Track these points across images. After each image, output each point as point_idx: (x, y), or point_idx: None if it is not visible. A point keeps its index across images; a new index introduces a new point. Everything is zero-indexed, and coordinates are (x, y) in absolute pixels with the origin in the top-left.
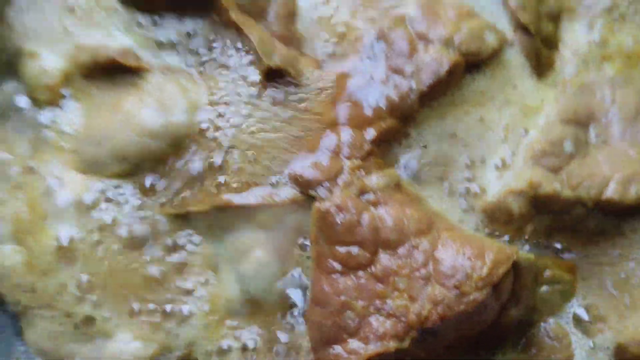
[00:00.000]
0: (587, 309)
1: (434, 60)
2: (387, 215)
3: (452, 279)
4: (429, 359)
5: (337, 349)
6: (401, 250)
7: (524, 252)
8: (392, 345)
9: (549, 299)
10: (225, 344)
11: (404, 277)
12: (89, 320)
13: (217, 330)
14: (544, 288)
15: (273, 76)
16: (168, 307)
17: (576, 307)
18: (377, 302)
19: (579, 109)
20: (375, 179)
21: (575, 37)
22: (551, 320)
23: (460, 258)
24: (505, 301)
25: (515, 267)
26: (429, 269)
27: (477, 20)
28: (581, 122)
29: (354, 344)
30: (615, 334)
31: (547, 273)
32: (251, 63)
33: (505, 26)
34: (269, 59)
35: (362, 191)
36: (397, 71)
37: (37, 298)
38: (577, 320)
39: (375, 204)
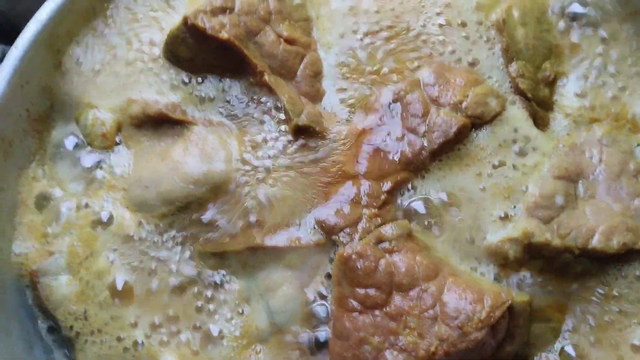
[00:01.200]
0: (574, 346)
1: (445, 122)
2: (400, 262)
3: (455, 320)
4: None
5: None
6: (412, 293)
7: (518, 294)
8: None
9: (541, 335)
10: None
11: (414, 317)
12: (137, 344)
13: (244, 352)
14: (537, 325)
15: (301, 132)
16: (210, 331)
17: (565, 344)
18: (391, 338)
19: (570, 167)
20: (390, 230)
21: (568, 100)
22: (543, 354)
23: (463, 302)
24: (501, 339)
25: (510, 309)
26: (436, 310)
27: (482, 87)
28: (571, 178)
29: None
30: None
31: (540, 312)
32: (282, 120)
33: (508, 89)
34: (297, 117)
35: (379, 240)
36: (412, 130)
37: (89, 325)
38: (565, 356)
39: (390, 251)
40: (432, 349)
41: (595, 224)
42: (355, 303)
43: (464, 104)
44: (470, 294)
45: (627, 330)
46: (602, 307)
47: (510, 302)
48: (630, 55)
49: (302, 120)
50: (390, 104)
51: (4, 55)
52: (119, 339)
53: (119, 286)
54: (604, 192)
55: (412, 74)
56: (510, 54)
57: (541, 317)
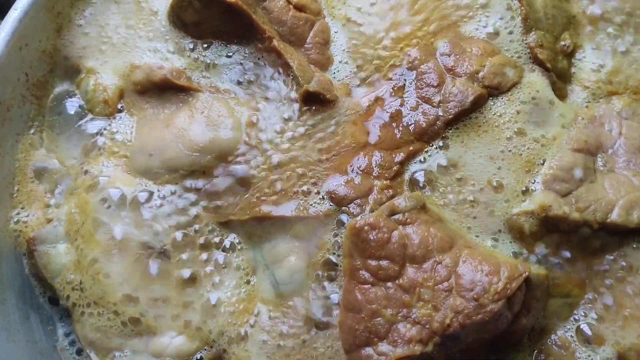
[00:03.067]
0: (592, 323)
1: (460, 92)
2: (414, 233)
3: (471, 292)
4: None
5: (369, 350)
6: (426, 265)
7: (536, 268)
8: (417, 349)
9: (558, 310)
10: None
11: (429, 289)
12: (136, 319)
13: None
14: (555, 300)
15: (310, 99)
16: (211, 300)
17: (582, 321)
18: (404, 310)
19: (589, 139)
20: (403, 202)
21: (586, 73)
22: (559, 331)
23: (479, 274)
24: (518, 311)
25: (527, 282)
26: (451, 282)
27: (499, 57)
28: (590, 151)
29: (383, 347)
30: (615, 345)
31: (558, 287)
32: (290, 87)
33: (527, 60)
34: (307, 84)
35: (393, 212)
36: (426, 100)
37: (85, 297)
38: (581, 333)
39: (403, 223)
40: (447, 321)
41: (615, 197)
42: (367, 275)
43: (480, 74)
44: (486, 266)
45: None
46: (622, 283)
47: (527, 274)
48: None
49: (313, 86)
50: (404, 73)
51: None
52: (116, 313)
53: (118, 237)
54: (624, 165)
55: (427, 43)
56: (529, 23)
57: (559, 292)
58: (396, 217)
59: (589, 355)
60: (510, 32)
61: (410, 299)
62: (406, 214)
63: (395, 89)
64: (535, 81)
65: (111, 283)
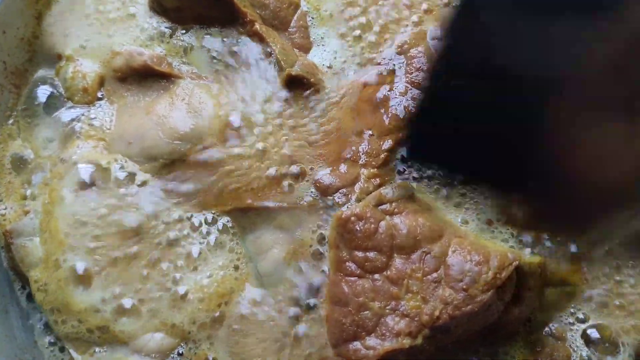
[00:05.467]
0: (591, 311)
1: None
2: (401, 223)
3: (460, 282)
4: (437, 352)
5: (356, 344)
6: (414, 256)
7: (529, 255)
8: (406, 342)
9: (555, 300)
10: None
11: (417, 280)
12: (104, 328)
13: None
14: (552, 290)
15: (294, 84)
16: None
17: (580, 310)
18: (393, 303)
19: None
20: (391, 191)
21: None
22: (556, 322)
23: (468, 264)
24: (508, 301)
25: (519, 270)
26: (440, 273)
27: None
28: None
29: (371, 340)
30: (616, 335)
31: (554, 275)
32: (274, 71)
33: None
34: (290, 67)
35: (380, 202)
36: (416, 85)
37: (49, 301)
38: (580, 323)
39: (391, 213)
40: (437, 313)
41: None
42: (353, 267)
43: None
44: (475, 255)
45: None
46: (622, 270)
47: (517, 262)
48: None
49: (296, 70)
50: (393, 57)
51: None
52: (80, 321)
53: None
54: None
55: (417, 27)
56: None
57: (556, 280)
58: (383, 206)
59: (587, 347)
60: None
61: (399, 291)
62: (393, 203)
63: (383, 73)
64: None
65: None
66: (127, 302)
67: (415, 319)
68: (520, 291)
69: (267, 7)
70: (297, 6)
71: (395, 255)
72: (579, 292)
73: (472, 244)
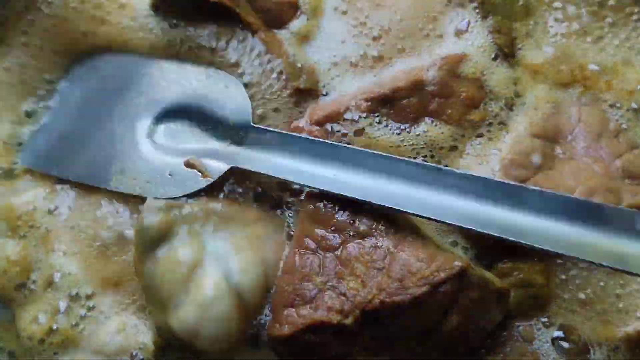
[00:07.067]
0: (559, 314)
1: None
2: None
3: (398, 273)
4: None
5: (291, 311)
6: (367, 242)
7: (481, 269)
8: (335, 318)
9: (521, 303)
10: None
11: (363, 265)
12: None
13: None
14: (518, 291)
15: (300, 93)
16: None
17: (547, 314)
18: (335, 281)
19: (548, 125)
20: None
21: (543, 58)
22: (521, 325)
23: (412, 259)
24: (447, 305)
25: (463, 277)
26: (385, 262)
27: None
28: (549, 137)
29: (305, 310)
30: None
31: (520, 276)
32: (280, 80)
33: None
34: (296, 82)
35: None
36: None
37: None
38: (547, 327)
39: None
40: (369, 297)
41: (574, 184)
42: (310, 242)
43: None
44: (422, 254)
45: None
46: (588, 270)
47: (461, 269)
48: None
49: (301, 83)
50: None
51: None
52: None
53: None
54: (584, 152)
55: None
56: (485, 8)
57: (521, 281)
58: None
59: (554, 349)
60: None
61: (343, 271)
62: None
63: None
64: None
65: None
66: None
67: (350, 299)
68: (461, 300)
69: (269, 9)
70: (296, 6)
71: (350, 238)
72: (547, 292)
73: (425, 243)
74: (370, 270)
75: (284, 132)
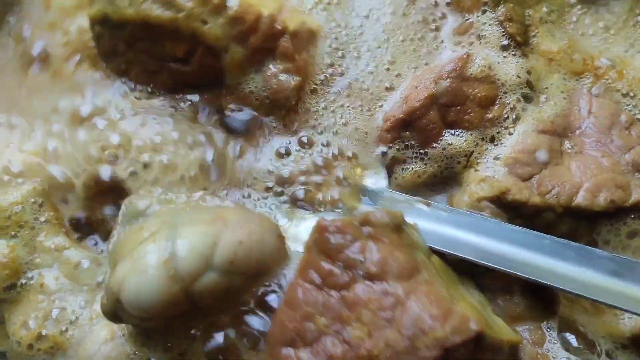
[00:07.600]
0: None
1: None
2: (375, 250)
3: (409, 330)
4: None
5: (290, 351)
6: (377, 287)
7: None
8: None
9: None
10: None
11: (370, 312)
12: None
13: None
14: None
15: None
16: None
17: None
18: (339, 325)
19: (556, 119)
20: (380, 215)
21: (554, 47)
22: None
23: (425, 314)
24: None
25: (481, 342)
26: (395, 313)
27: None
28: (557, 132)
29: (304, 354)
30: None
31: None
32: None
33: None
34: None
35: (365, 222)
36: None
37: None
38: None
39: (369, 236)
40: (375, 352)
41: (581, 180)
42: (316, 276)
43: None
44: (436, 309)
45: None
46: None
47: (476, 334)
48: None
49: None
50: None
51: None
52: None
53: None
54: (593, 146)
55: None
56: None
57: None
58: (366, 228)
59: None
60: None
61: (349, 316)
62: (377, 228)
63: None
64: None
65: None
66: None
67: (354, 349)
68: None
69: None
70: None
71: (359, 279)
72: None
73: (438, 295)
74: (379, 320)
75: None
